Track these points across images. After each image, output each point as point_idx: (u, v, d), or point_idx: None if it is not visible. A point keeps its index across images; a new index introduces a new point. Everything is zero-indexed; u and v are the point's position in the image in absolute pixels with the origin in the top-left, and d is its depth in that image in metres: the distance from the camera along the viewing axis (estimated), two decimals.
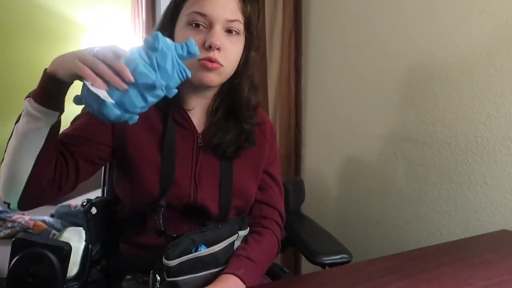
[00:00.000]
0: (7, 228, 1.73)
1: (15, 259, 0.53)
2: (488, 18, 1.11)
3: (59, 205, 1.94)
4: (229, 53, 0.80)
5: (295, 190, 1.32)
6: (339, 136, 1.68)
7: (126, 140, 0.82)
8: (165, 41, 0.61)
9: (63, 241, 0.57)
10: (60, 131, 0.75)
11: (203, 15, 0.78)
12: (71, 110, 0.81)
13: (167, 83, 0.60)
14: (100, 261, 0.94)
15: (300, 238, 1.11)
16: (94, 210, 0.89)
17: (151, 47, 0.60)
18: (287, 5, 1.79)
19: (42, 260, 0.54)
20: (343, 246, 1.02)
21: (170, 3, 0.85)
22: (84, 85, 0.60)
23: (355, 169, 1.60)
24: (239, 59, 0.85)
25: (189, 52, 0.64)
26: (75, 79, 0.63)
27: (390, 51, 1.42)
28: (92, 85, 0.57)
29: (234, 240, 0.83)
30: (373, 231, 1.50)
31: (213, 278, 0.76)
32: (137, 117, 0.63)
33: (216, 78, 0.81)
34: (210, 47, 0.77)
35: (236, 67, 0.85)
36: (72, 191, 0.78)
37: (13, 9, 2.55)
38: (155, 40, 0.60)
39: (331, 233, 1.13)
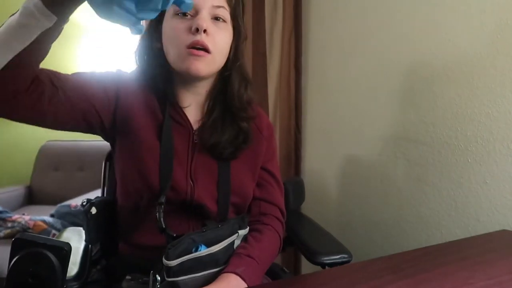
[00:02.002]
0: (7, 228, 1.73)
1: (15, 259, 0.53)
2: (488, 18, 1.11)
3: (59, 205, 1.94)
4: (217, 38, 0.81)
5: (295, 190, 1.32)
6: (339, 136, 1.68)
7: (130, 118, 0.81)
8: None
9: (63, 241, 0.57)
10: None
11: None
12: None
13: None
14: (100, 261, 0.94)
15: (300, 238, 1.11)
16: (94, 210, 0.89)
17: None
18: (287, 5, 1.79)
19: (42, 260, 0.54)
20: (343, 246, 1.02)
21: None
22: None
23: (355, 169, 1.60)
24: (228, 49, 0.85)
25: None
26: None
27: (390, 51, 1.42)
28: None
29: (234, 240, 0.83)
30: (373, 231, 1.50)
31: (212, 278, 0.76)
32: (141, 26, 0.56)
33: (204, 67, 0.80)
34: (197, 30, 0.77)
35: (225, 57, 0.85)
36: (33, 121, 0.70)
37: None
38: None
39: (331, 233, 1.13)
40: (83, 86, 0.76)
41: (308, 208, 1.61)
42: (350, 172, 1.63)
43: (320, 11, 1.78)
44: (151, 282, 0.73)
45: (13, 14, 0.61)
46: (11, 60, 0.60)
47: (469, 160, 1.17)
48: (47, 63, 0.67)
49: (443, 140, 1.24)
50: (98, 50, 2.63)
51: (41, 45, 0.61)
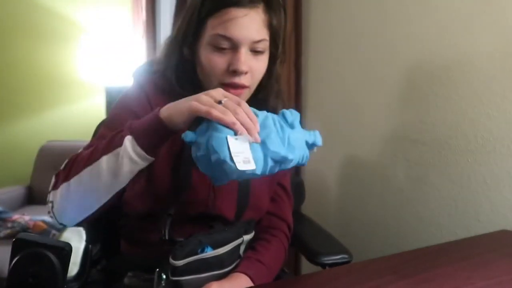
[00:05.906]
0: (7, 228, 1.73)
1: (15, 260, 0.53)
2: (488, 18, 1.11)
3: None
4: (255, 72, 0.77)
5: (295, 190, 1.31)
6: (339, 136, 1.67)
7: None
8: (298, 123, 0.65)
9: (63, 241, 0.57)
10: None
11: (227, 38, 0.73)
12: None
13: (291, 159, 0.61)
14: (100, 261, 0.95)
15: (300, 238, 1.11)
16: None
17: (287, 123, 0.63)
18: (287, 5, 1.79)
19: (43, 260, 0.54)
20: (343, 246, 1.02)
21: (192, 13, 0.77)
22: (206, 127, 0.58)
23: (355, 169, 1.60)
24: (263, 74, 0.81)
25: (314, 144, 0.69)
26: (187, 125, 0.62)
27: (390, 51, 1.42)
28: (235, 135, 0.55)
29: (240, 244, 0.83)
30: (373, 231, 1.50)
31: (216, 279, 0.76)
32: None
33: None
34: (235, 71, 0.73)
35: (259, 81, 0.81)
36: None
37: (12, 9, 2.55)
38: (295, 119, 0.64)
39: (331, 233, 1.13)
40: None
41: (308, 208, 1.60)
42: (350, 172, 1.63)
43: (320, 11, 1.78)
44: (156, 280, 0.73)
45: (111, 140, 0.66)
46: (111, 197, 0.68)
47: (469, 160, 1.17)
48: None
49: (443, 140, 1.23)
50: (98, 50, 2.62)
51: (135, 178, 0.67)
